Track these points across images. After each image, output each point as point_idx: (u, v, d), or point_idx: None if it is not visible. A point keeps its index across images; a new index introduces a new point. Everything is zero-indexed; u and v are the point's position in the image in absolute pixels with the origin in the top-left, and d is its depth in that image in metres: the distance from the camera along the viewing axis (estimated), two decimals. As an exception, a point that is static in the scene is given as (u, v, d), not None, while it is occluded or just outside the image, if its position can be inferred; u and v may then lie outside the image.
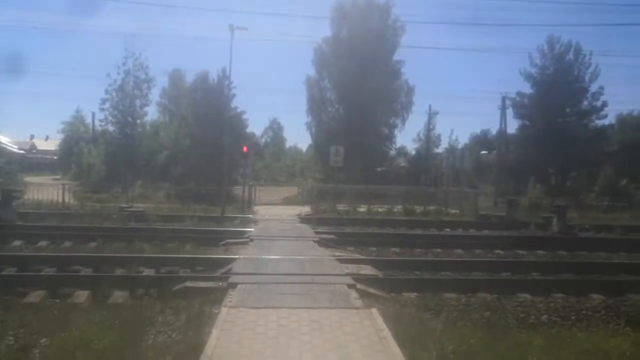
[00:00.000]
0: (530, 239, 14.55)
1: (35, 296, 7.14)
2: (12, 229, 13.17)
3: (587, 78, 37.72)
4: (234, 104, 34.15)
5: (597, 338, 5.89)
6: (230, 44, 20.36)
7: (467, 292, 7.89)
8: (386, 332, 5.33)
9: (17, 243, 11.68)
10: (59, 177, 44.74)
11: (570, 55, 37.86)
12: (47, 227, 13.69)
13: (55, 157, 62.53)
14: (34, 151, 72.21)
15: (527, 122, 39.47)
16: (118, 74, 34.73)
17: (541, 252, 12.54)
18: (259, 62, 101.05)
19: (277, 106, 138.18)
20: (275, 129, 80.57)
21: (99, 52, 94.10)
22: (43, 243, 11.77)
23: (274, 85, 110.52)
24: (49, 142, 72.29)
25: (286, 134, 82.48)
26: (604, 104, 37.73)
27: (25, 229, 13.37)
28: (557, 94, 36.86)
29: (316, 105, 41.20)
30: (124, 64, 34.64)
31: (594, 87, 37.66)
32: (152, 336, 5.56)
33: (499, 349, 5.31)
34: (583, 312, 6.99)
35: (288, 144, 77.97)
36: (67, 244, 11.82)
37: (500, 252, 12.44)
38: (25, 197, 20.71)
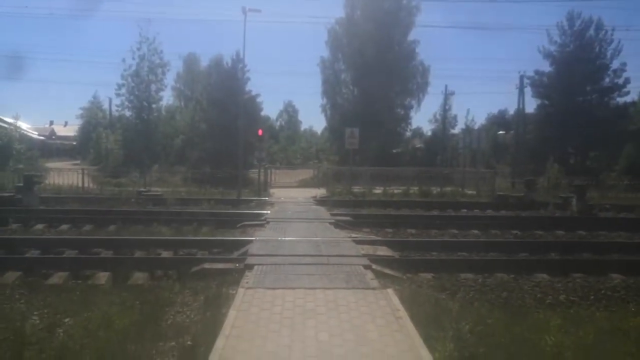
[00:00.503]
0: (548, 219, 14.37)
1: (58, 278, 7.31)
2: (34, 213, 13.43)
3: (608, 55, 36.89)
4: (248, 87, 34.24)
5: (617, 318, 5.83)
6: (243, 26, 20.27)
7: (483, 272, 7.87)
8: (402, 313, 5.35)
9: (39, 227, 11.93)
10: (78, 162, 45.45)
11: (591, 32, 36.95)
12: (67, 210, 13.94)
13: (74, 143, 63.49)
14: (54, 137, 73.21)
15: (546, 101, 38.79)
16: (133, 59, 35.04)
17: (560, 232, 12.40)
18: (273, 45, 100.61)
19: (292, 89, 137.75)
20: (290, 112, 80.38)
21: (114, 37, 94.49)
22: (64, 226, 12.00)
23: (289, 68, 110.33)
24: (68, 128, 73.29)
25: (301, 116, 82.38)
26: (627, 81, 36.91)
27: (47, 213, 13.62)
28: (577, 72, 36.07)
29: (331, 87, 40.95)
30: (138, 49, 34.92)
31: (615, 64, 36.81)
32: (171, 316, 5.68)
33: (516, 329, 5.29)
34: (602, 292, 6.91)
35: (303, 127, 77.95)
36: (88, 227, 12.03)
37: (518, 232, 12.33)
38: (46, 182, 21.11)
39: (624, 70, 36.55)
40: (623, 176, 29.07)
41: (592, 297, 6.76)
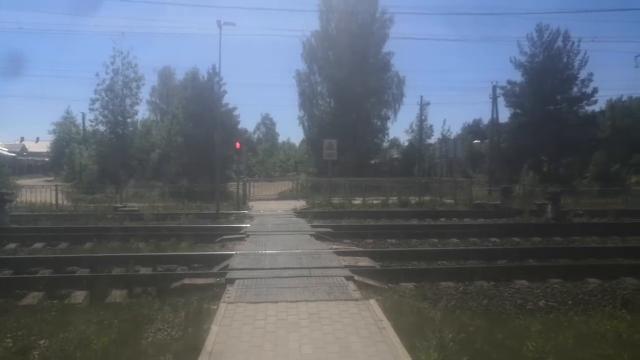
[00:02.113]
0: (525, 226, 14.63)
1: (33, 298, 7.11)
2: (5, 232, 13.06)
3: (576, 65, 37.91)
4: (225, 100, 34.03)
5: (594, 322, 5.95)
6: (219, 40, 20.27)
7: (464, 280, 7.95)
8: (385, 323, 5.35)
9: (11, 246, 11.61)
10: (51, 179, 44.43)
11: (559, 43, 37.99)
12: (41, 229, 13.60)
13: (47, 159, 62.11)
14: (25, 154, 71.63)
15: (519, 111, 39.61)
16: (107, 73, 34.61)
17: (537, 239, 12.63)
18: (250, 58, 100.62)
19: (269, 101, 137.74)
20: (267, 124, 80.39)
21: (88, 51, 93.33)
22: (39, 245, 11.70)
23: (266, 81, 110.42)
24: (40, 144, 71.78)
25: (279, 129, 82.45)
26: (595, 91, 37.95)
27: (20, 231, 13.27)
28: (548, 82, 37.05)
29: (308, 100, 41.09)
30: (112, 63, 34.52)
31: (583, 74, 37.88)
32: (151, 334, 5.57)
33: (498, 336, 5.35)
34: (580, 296, 7.05)
35: (281, 139, 77.93)
36: (63, 245, 11.75)
37: (497, 240, 12.50)
38: (18, 200, 20.58)
39: (591, 80, 37.69)
40: (594, 182, 29.85)
41: (570, 302, 6.88)
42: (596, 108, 39.92)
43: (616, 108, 45.11)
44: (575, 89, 38.32)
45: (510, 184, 24.72)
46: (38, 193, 21.97)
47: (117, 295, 7.32)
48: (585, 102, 38.51)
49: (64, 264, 9.23)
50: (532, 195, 22.26)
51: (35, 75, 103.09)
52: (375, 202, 21.31)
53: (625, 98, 46.63)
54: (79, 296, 7.21)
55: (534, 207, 17.82)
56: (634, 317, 6.07)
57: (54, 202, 21.14)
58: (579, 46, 37.49)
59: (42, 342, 5.28)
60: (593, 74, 37.72)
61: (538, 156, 37.98)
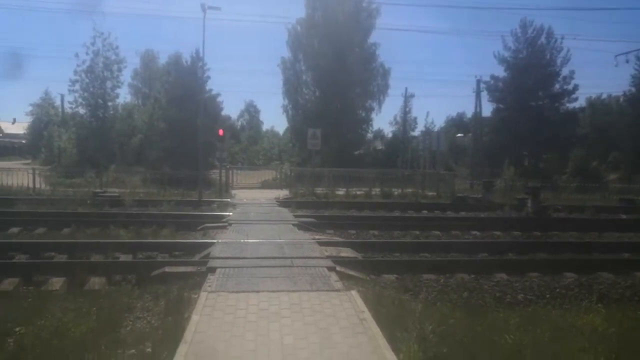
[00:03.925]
0: (505, 220, 14.82)
1: (8, 284, 6.96)
2: (-20, 215, 12.75)
3: (558, 62, 38.40)
4: (208, 86, 33.67)
5: (571, 315, 6.06)
6: (203, 24, 19.95)
7: (445, 273, 8.02)
8: (366, 314, 5.37)
9: (-15, 230, 11.33)
10: (28, 161, 43.57)
11: (543, 39, 38.40)
12: (18, 212, 13.32)
13: (23, 141, 60.83)
14: (1, 135, 69.96)
15: (501, 105, 40.01)
16: (87, 54, 33.84)
17: (517, 232, 12.81)
18: (234, 44, 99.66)
19: (253, 88, 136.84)
20: (251, 111, 79.88)
21: (67, 31, 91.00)
22: (15, 229, 11.45)
23: (250, 67, 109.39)
24: (17, 125, 70.23)
25: (262, 116, 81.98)
26: (575, 88, 38.53)
27: (-5, 215, 12.96)
28: (530, 78, 37.46)
29: (292, 88, 40.87)
30: (92, 44, 33.76)
31: (565, 71, 38.40)
32: (130, 322, 5.50)
33: (478, 329, 5.41)
34: (557, 290, 7.17)
35: (265, 127, 77.53)
36: (40, 230, 11.53)
37: (477, 233, 12.65)
38: (-7, 182, 20.12)
39: (572, 78, 38.24)
40: (573, 178, 30.41)
41: (548, 295, 6.99)
42: (576, 105, 40.61)
43: (596, 106, 45.88)
44: (557, 86, 38.86)
45: (492, 177, 25.05)
46: (14, 176, 21.50)
47: (96, 282, 7.21)
48: (566, 98, 39.10)
49: (41, 249, 9.05)
50: (512, 189, 22.59)
51: (12, 53, 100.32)
52: (358, 192, 21.37)
53: (604, 96, 47.45)
54: (56, 282, 7.08)
55: (515, 201, 18.08)
56: (608, 311, 6.21)
57: (31, 185, 20.73)
58: (561, 43, 38.02)
59: (17, 329, 5.16)
60: (574, 71, 38.36)
61: (519, 151, 38.50)
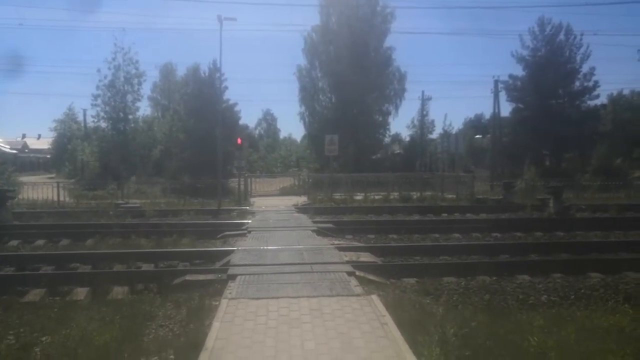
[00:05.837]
0: (527, 221, 14.59)
1: (35, 295, 7.11)
2: (7, 229, 13.06)
3: (578, 59, 37.67)
4: (226, 96, 33.95)
5: (597, 316, 5.93)
6: (219, 35, 20.19)
7: (466, 275, 7.93)
8: (387, 318, 5.34)
9: (13, 243, 11.61)
10: (53, 175, 44.49)
11: (561, 36, 37.76)
12: (43, 225, 13.61)
13: (48, 156, 62.20)
14: (27, 150, 71.66)
15: (520, 105, 39.42)
16: (108, 69, 34.42)
17: (539, 233, 12.60)
18: (250, 53, 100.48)
19: (270, 97, 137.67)
20: (268, 120, 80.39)
21: (89, 47, 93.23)
22: (40, 242, 11.71)
23: (266, 76, 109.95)
24: (42, 141, 71.79)
25: (280, 124, 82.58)
26: (596, 84, 37.72)
27: (21, 228, 13.28)
28: (549, 76, 36.83)
29: (309, 95, 40.96)
30: (113, 59, 34.32)
31: (585, 68, 37.66)
32: (153, 330, 5.57)
33: (500, 331, 5.34)
34: (582, 291, 7.03)
35: (282, 135, 77.92)
36: (65, 242, 11.76)
37: (498, 234, 12.48)
38: (20, 196, 20.58)
39: (593, 74, 37.51)
40: (596, 177, 29.77)
41: (572, 296, 6.86)
42: (597, 102, 39.78)
43: (617, 102, 44.89)
44: (577, 83, 38.11)
45: (512, 178, 24.68)
46: (40, 190, 21.98)
47: (119, 291, 7.33)
48: (586, 95, 38.32)
49: (66, 260, 9.24)
50: (534, 190, 22.22)
51: (37, 71, 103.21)
52: (376, 197, 21.28)
53: (626, 92, 46.43)
54: (81, 293, 7.21)
55: (536, 202, 17.79)
56: (636, 312, 6.06)
57: (55, 198, 21.16)
58: (580, 40, 37.29)
59: (44, 338, 5.29)
60: (595, 67, 37.54)
61: (540, 150, 37.87)
